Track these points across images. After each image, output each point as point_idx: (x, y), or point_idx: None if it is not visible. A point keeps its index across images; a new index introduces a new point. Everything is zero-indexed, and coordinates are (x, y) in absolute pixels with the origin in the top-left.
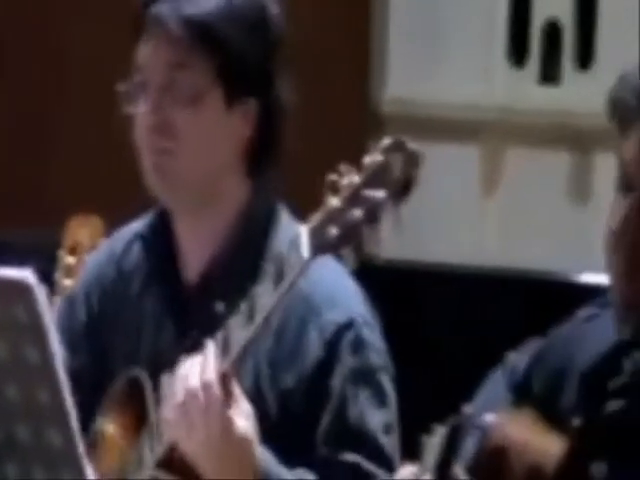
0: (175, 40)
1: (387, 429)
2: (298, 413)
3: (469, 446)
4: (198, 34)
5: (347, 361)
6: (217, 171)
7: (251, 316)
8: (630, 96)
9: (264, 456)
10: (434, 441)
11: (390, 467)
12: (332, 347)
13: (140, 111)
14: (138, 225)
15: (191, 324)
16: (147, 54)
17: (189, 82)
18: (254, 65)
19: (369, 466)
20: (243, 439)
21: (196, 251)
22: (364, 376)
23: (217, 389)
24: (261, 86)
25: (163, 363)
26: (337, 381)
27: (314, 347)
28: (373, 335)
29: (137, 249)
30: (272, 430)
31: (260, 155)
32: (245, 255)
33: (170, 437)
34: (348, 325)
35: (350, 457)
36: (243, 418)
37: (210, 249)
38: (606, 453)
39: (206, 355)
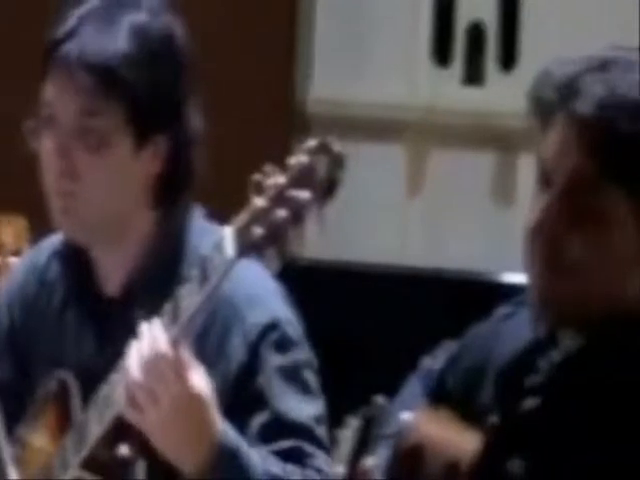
0: (82, 88)
1: (318, 421)
2: (225, 415)
3: (385, 448)
4: (104, 82)
5: (273, 360)
6: (123, 210)
7: (175, 316)
8: (549, 90)
9: (223, 423)
10: (347, 433)
11: (327, 453)
12: (256, 349)
13: (45, 147)
14: (57, 240)
15: (112, 336)
16: (54, 95)
17: (98, 128)
18: (164, 102)
19: (308, 447)
20: (202, 403)
21: (112, 270)
22: (291, 373)
23: (171, 355)
24: (171, 121)
25: (86, 374)
26: (265, 380)
27: (238, 351)
28: (296, 332)
29: (56, 263)
30: None
31: (169, 188)
32: (162, 269)
33: (121, 413)
34: (272, 325)
35: (289, 443)
36: (200, 380)
37: (126, 268)
38: (522, 450)
39: (153, 330)
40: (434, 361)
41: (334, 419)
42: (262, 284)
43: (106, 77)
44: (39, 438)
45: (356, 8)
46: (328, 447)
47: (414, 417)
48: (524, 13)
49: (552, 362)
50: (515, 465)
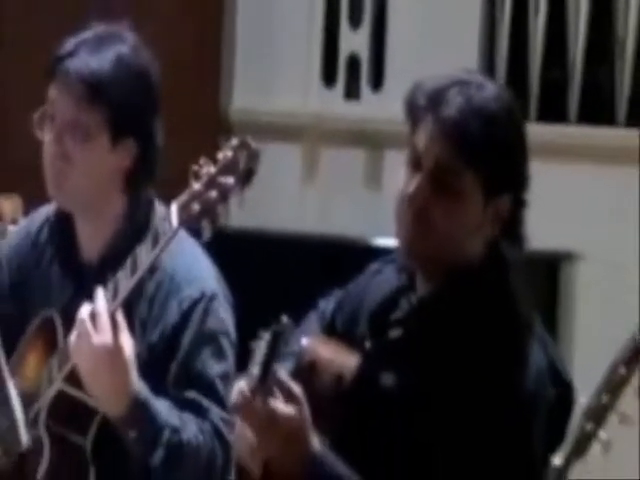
0: (75, 93)
1: (223, 378)
2: (159, 362)
3: (288, 362)
4: (91, 91)
5: (196, 326)
6: (101, 189)
7: (134, 270)
8: (421, 98)
9: (139, 383)
10: (261, 343)
11: (224, 406)
12: (186, 315)
13: (46, 138)
14: (48, 210)
15: (86, 289)
16: (56, 95)
17: (85, 124)
18: (134, 115)
19: (206, 402)
20: (125, 361)
21: (90, 240)
22: (209, 337)
23: (106, 319)
24: (140, 130)
25: (66, 314)
26: (187, 340)
27: (173, 314)
28: (220, 307)
29: (46, 230)
30: (143, 373)
31: (136, 179)
32: (130, 240)
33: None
34: (200, 299)
35: (191, 395)
36: (127, 347)
37: (101, 240)
38: (390, 367)
39: (97, 297)
40: (327, 303)
41: (253, 335)
42: (198, 265)
43: (93, 88)
44: (32, 359)
45: (266, 42)
46: (225, 403)
47: (310, 342)
48: (389, 48)
49: (410, 302)
50: (385, 378)
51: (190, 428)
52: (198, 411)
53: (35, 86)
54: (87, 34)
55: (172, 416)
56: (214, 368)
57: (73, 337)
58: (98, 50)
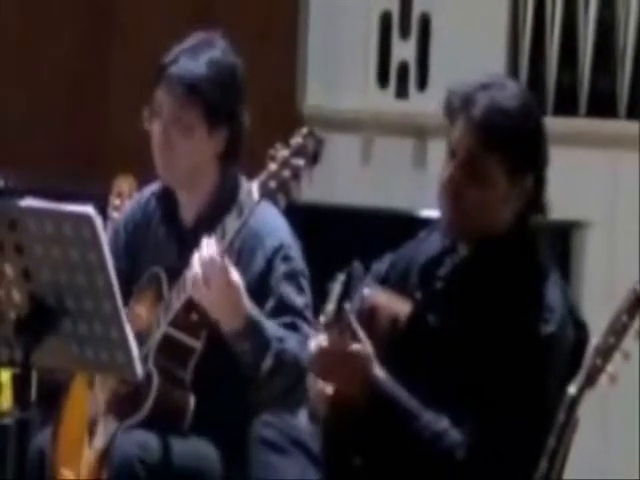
0: (178, 94)
1: (306, 307)
2: (253, 300)
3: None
4: (190, 92)
5: (280, 268)
6: (198, 168)
7: (223, 236)
8: (456, 100)
9: (251, 305)
10: (336, 284)
11: (310, 327)
12: (270, 261)
13: (154, 130)
14: (154, 187)
15: (187, 248)
16: (162, 97)
17: (186, 120)
18: (226, 108)
19: (298, 321)
20: (237, 290)
21: (189, 208)
22: (291, 276)
23: (218, 260)
24: (231, 119)
25: (171, 271)
26: (275, 280)
27: (260, 263)
28: (296, 252)
29: (154, 201)
30: None
31: (228, 159)
32: (221, 209)
33: (190, 293)
34: (280, 247)
35: (287, 319)
36: (236, 278)
37: (197, 208)
38: (436, 311)
39: (210, 244)
40: (380, 264)
41: (328, 278)
42: (276, 222)
43: (191, 89)
44: (141, 308)
45: (333, 53)
46: (312, 323)
47: (371, 291)
48: (432, 57)
49: (453, 261)
50: (432, 319)
51: (290, 340)
52: (294, 329)
53: (143, 72)
54: (186, 43)
55: (277, 330)
56: (298, 299)
57: (191, 279)
58: (195, 56)
